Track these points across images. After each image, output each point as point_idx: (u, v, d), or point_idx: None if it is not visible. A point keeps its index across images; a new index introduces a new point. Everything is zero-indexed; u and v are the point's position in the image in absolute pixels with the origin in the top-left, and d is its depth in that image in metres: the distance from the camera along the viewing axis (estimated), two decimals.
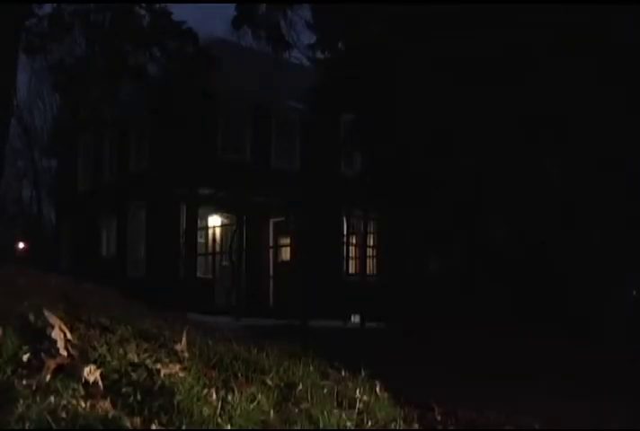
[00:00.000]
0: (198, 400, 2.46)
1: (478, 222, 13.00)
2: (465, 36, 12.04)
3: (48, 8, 14.74)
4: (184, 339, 3.31)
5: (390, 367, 5.61)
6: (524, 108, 11.83)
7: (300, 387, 3.24)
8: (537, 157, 12.05)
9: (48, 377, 2.27)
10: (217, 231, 22.94)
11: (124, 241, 24.41)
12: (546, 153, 12.01)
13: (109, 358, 2.62)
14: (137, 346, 2.97)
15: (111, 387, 2.35)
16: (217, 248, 22.76)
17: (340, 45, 15.35)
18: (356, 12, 13.50)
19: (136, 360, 2.67)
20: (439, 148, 12.97)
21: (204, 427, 2.31)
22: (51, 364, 2.36)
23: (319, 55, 16.21)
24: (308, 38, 16.43)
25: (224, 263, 22.17)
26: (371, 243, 23.96)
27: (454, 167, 12.82)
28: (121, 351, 2.75)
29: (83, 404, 2.09)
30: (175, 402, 2.36)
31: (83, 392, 2.22)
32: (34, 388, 2.18)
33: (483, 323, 11.66)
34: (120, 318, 3.89)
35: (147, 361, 2.67)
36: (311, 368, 3.78)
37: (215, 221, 22.98)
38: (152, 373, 2.56)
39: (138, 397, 2.32)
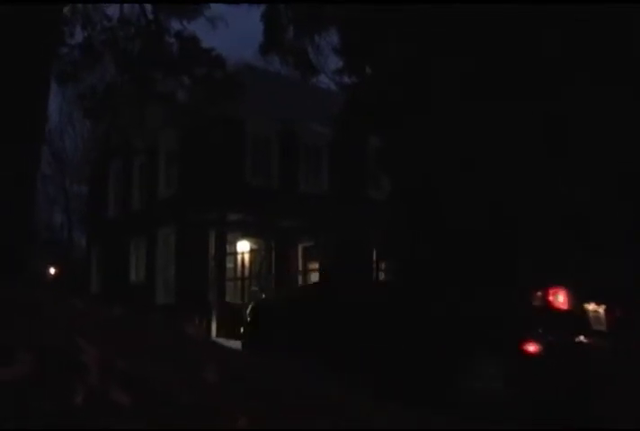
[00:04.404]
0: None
1: (505, 249, 12.89)
2: (495, 55, 12.02)
3: (79, 37, 15.01)
4: (212, 367, 3.30)
5: None
6: (562, 136, 11.76)
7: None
8: (568, 184, 11.95)
9: (80, 401, 2.26)
10: (246, 256, 22.99)
11: (153, 266, 24.54)
12: (578, 180, 11.90)
13: (140, 381, 2.61)
14: (168, 368, 2.96)
15: (144, 409, 2.34)
16: (246, 273, 22.79)
17: (367, 69, 15.40)
18: (383, 35, 13.56)
19: (166, 381, 2.66)
20: (467, 173, 12.91)
21: None
22: (83, 388, 2.35)
23: (346, 79, 16.28)
24: (335, 62, 16.55)
25: (253, 288, 22.18)
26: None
27: (481, 193, 12.74)
28: (152, 374, 2.74)
29: (115, 426, 2.09)
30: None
31: (114, 415, 2.21)
32: (67, 412, 2.17)
33: None
34: (150, 342, 3.88)
35: (177, 383, 2.66)
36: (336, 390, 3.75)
37: (244, 246, 23.04)
38: (182, 396, 2.55)
39: (171, 419, 2.31)
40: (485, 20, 12.13)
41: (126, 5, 14.77)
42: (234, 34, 21.30)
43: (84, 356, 2.63)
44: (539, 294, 6.94)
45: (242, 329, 9.65)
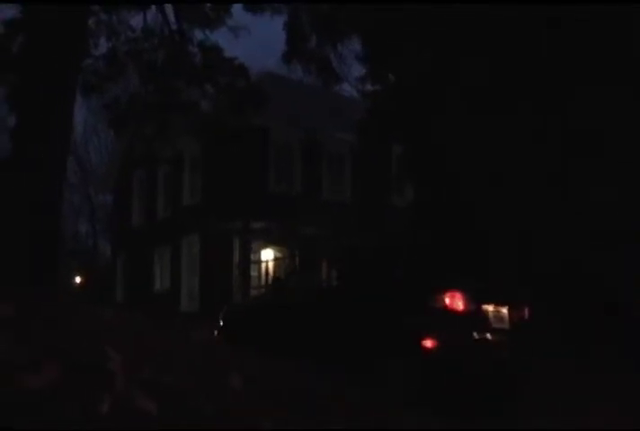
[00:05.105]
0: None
1: (530, 252, 12.83)
2: (514, 64, 12.01)
3: (103, 48, 15.17)
4: (238, 374, 3.31)
5: None
6: (578, 135, 11.71)
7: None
8: (594, 186, 11.88)
9: (105, 408, 2.28)
10: (270, 264, 22.99)
11: (177, 274, 24.61)
12: (605, 181, 11.83)
13: (165, 390, 2.63)
14: (192, 375, 2.98)
15: (169, 417, 2.35)
16: (270, 281, 22.75)
17: (389, 77, 15.41)
18: (405, 43, 13.57)
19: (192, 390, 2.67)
20: (490, 180, 12.88)
21: None
22: (109, 396, 2.37)
23: (369, 87, 16.30)
24: (358, 70, 16.57)
25: None
26: None
27: (505, 200, 12.70)
28: (177, 382, 2.76)
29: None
30: None
31: (139, 423, 2.23)
32: (92, 420, 2.19)
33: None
34: (174, 350, 3.91)
35: (203, 391, 2.67)
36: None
37: (268, 254, 23.04)
38: (207, 403, 2.56)
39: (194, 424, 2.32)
40: (503, 30, 12.14)
41: (149, 16, 14.92)
42: (256, 43, 21.41)
43: (110, 364, 2.65)
44: (438, 297, 7.78)
45: (215, 332, 10.39)
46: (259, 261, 22.87)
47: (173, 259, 25.08)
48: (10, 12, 13.45)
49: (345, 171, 24.48)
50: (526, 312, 8.55)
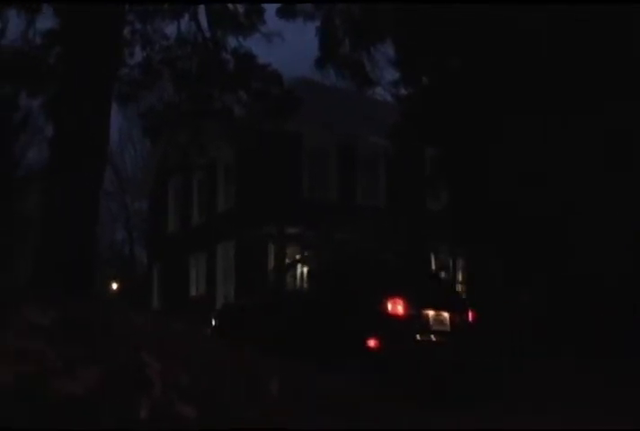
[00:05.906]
0: None
1: (565, 258, 12.71)
2: (551, 69, 11.92)
3: (138, 57, 15.32)
4: (276, 381, 3.31)
5: None
6: (616, 138, 11.59)
7: None
8: (630, 190, 11.74)
9: (144, 413, 2.30)
10: (305, 269, 22.95)
11: (213, 280, 24.71)
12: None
13: (202, 394, 2.64)
14: (228, 380, 2.99)
15: (205, 421, 2.36)
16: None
17: (423, 80, 15.37)
18: (438, 46, 13.54)
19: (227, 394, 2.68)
20: (525, 183, 12.78)
21: None
22: (147, 401, 2.39)
23: (402, 91, 16.25)
24: (392, 74, 16.51)
25: None
26: (459, 279, 23.59)
27: (542, 203, 12.59)
28: (214, 387, 2.77)
29: None
30: None
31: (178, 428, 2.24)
32: (131, 425, 2.21)
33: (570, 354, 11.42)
34: (210, 356, 3.92)
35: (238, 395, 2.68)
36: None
37: None
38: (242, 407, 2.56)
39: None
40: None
41: (183, 24, 15.02)
42: (289, 49, 21.45)
43: (148, 370, 2.67)
44: (381, 302, 8.66)
45: (209, 330, 11.12)
46: (295, 266, 22.85)
47: (208, 266, 25.19)
48: (47, 22, 13.66)
49: (379, 175, 24.41)
50: (469, 315, 9.29)
